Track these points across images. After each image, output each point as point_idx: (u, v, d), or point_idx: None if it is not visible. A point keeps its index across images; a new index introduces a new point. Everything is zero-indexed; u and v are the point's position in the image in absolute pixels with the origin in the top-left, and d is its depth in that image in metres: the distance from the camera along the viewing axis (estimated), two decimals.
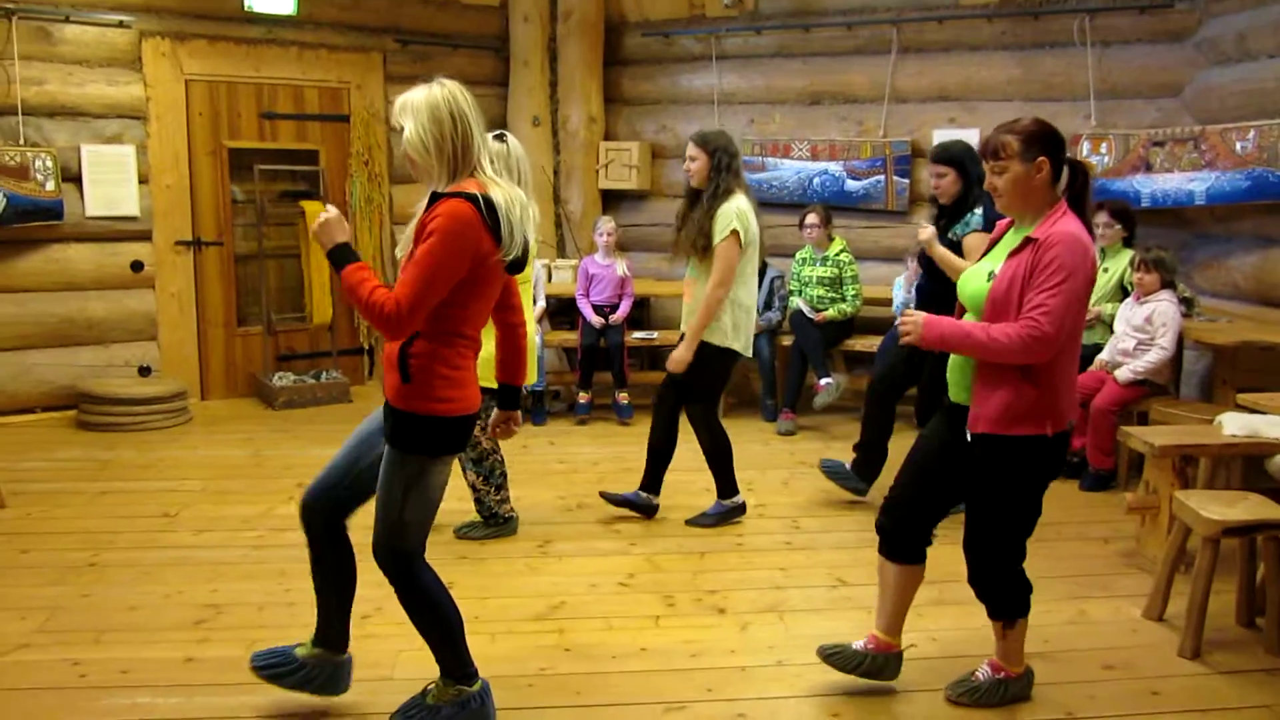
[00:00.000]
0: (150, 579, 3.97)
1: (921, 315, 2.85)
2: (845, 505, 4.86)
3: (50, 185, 6.16)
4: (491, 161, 2.74)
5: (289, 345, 7.13)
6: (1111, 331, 5.33)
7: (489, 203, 2.58)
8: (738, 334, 4.42)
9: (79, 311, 6.44)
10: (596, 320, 6.54)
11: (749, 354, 4.55)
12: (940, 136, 6.78)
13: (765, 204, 7.23)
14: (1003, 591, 3.00)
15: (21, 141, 6.11)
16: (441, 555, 4.21)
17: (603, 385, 6.69)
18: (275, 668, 2.96)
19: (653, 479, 4.65)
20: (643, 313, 7.44)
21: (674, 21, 7.56)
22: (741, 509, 4.65)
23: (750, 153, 7.28)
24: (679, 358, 4.39)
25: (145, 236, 6.62)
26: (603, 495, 4.69)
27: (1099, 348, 5.35)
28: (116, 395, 6.17)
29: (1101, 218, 5.50)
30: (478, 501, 4.44)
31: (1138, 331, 5.11)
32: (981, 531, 2.96)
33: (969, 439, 2.88)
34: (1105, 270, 5.51)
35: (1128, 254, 5.42)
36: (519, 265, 2.72)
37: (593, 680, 3.20)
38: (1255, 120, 5.63)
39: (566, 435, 6.23)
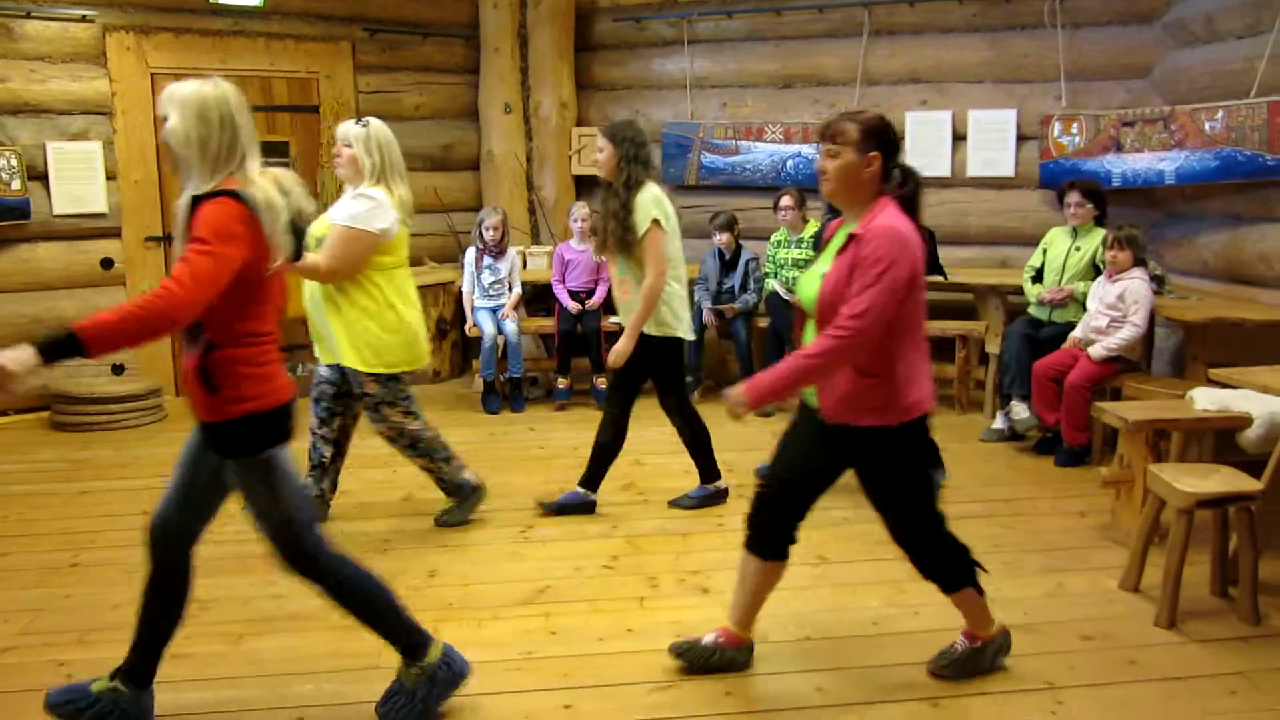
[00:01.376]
0: (133, 578, 3.90)
1: (738, 392, 2.82)
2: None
3: (16, 184, 6.09)
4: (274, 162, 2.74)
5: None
6: (1084, 309, 5.39)
7: (251, 198, 2.53)
8: (679, 320, 4.41)
9: (49, 311, 6.37)
10: (573, 306, 6.54)
11: (692, 337, 4.56)
12: (913, 119, 6.84)
13: (739, 187, 7.31)
14: (939, 564, 3.03)
15: None
16: (424, 544, 4.23)
17: (580, 371, 6.70)
18: (70, 703, 2.83)
19: (594, 475, 4.56)
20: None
21: (645, 6, 7.54)
22: (724, 494, 4.68)
23: (723, 136, 7.30)
24: (621, 350, 4.33)
25: (115, 233, 6.56)
26: (542, 505, 4.59)
27: (1072, 325, 5.41)
28: (90, 394, 6.12)
29: (1073, 197, 5.55)
30: (439, 482, 4.41)
31: (1110, 309, 5.17)
32: (887, 517, 2.99)
33: (824, 428, 2.88)
34: (1078, 249, 5.57)
35: (1099, 233, 5.48)
36: (297, 254, 2.70)
37: (580, 662, 3.22)
38: (1224, 100, 5.70)
39: (546, 421, 6.24)
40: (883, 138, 2.80)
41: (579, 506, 4.55)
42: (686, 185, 7.43)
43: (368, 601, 2.82)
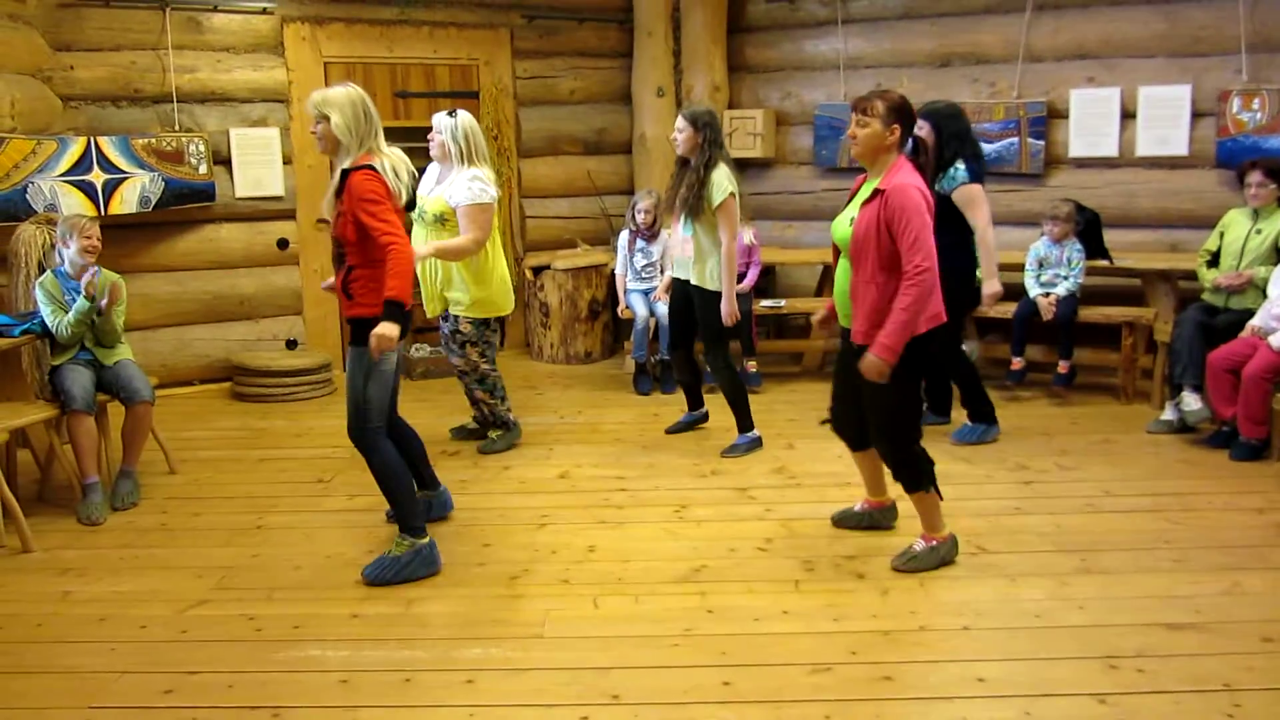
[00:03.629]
0: (312, 541, 4.20)
1: (874, 360, 3.45)
2: (982, 476, 4.81)
3: (203, 168, 6.48)
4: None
5: (425, 318, 7.35)
6: (1264, 296, 5.12)
7: (382, 167, 3.62)
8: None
9: (230, 288, 6.78)
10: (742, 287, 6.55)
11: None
12: (1078, 96, 6.59)
13: None
14: (911, 466, 3.69)
15: (176, 127, 6.44)
16: (582, 520, 4.36)
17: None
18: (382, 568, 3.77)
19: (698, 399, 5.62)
20: (769, 281, 7.43)
21: None
22: (760, 441, 5.27)
23: None
24: (728, 311, 4.99)
25: (290, 215, 6.91)
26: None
27: (1250, 313, 5.14)
28: (267, 368, 6.49)
29: (1255, 177, 5.27)
30: (491, 415, 5.30)
31: None
32: (879, 416, 3.67)
33: (854, 349, 3.59)
34: (1259, 232, 5.28)
35: None
36: (411, 204, 4.23)
37: (737, 641, 3.28)
38: None
39: None
40: (903, 114, 3.51)
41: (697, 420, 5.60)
42: (839, 168, 7.35)
43: (399, 482, 3.77)
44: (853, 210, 3.62)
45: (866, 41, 7.33)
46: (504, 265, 5.14)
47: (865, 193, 3.59)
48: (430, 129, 5.11)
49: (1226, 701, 2.88)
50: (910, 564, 3.74)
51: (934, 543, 3.77)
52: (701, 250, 4.99)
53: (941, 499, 3.77)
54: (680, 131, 4.95)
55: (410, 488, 3.84)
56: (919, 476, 3.70)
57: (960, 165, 4.93)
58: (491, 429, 5.37)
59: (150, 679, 3.12)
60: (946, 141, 4.93)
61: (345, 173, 3.59)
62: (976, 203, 4.94)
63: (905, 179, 3.46)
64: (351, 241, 3.61)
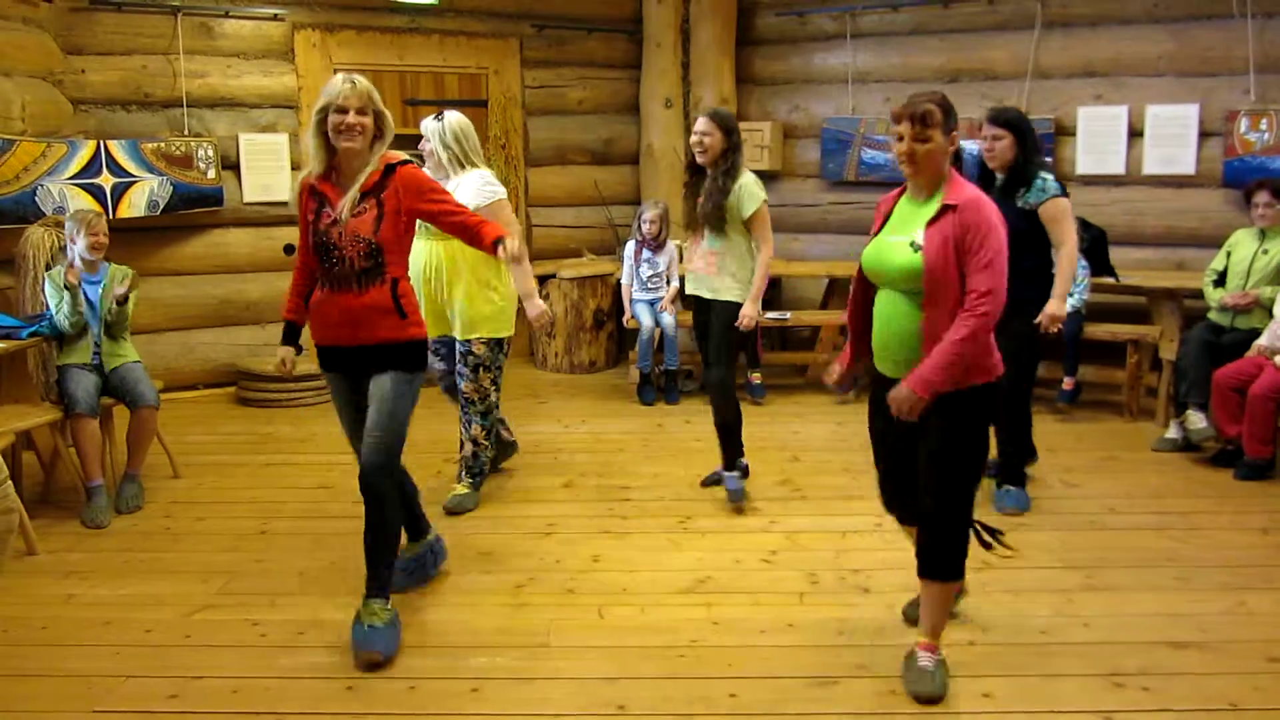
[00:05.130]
0: (317, 546, 4.20)
1: (906, 392, 2.86)
2: (987, 493, 4.80)
3: (211, 173, 6.49)
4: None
5: None
6: (1271, 316, 5.12)
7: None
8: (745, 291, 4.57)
9: (237, 293, 6.79)
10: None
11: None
12: (1085, 114, 6.61)
13: (900, 183, 7.16)
14: (959, 545, 3.01)
15: (186, 132, 6.46)
16: (587, 530, 4.35)
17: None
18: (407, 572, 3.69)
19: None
20: (775, 293, 7.44)
21: (808, 0, 7.50)
22: (748, 469, 4.76)
23: (886, 132, 7.19)
24: (751, 314, 4.50)
25: (296, 221, 6.90)
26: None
27: (1256, 332, 5.15)
28: (272, 373, 6.49)
29: (1262, 197, 5.28)
30: (473, 459, 4.65)
31: None
32: (941, 480, 2.96)
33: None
34: (1265, 252, 5.29)
35: None
36: None
37: (742, 653, 3.27)
38: None
39: (701, 414, 6.21)
40: (954, 115, 2.95)
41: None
42: (846, 181, 7.37)
43: (396, 538, 3.40)
44: (901, 233, 2.95)
45: (875, 56, 7.36)
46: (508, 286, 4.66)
47: (918, 210, 2.96)
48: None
49: None
50: (928, 687, 2.99)
51: (938, 655, 3.07)
52: (726, 264, 4.51)
53: (965, 593, 3.31)
54: (707, 135, 4.44)
55: (398, 540, 3.46)
56: (958, 562, 3.02)
57: (1049, 177, 4.36)
58: (466, 477, 4.68)
59: (155, 683, 3.11)
60: (1030, 151, 4.36)
61: (391, 166, 3.26)
62: (1069, 217, 4.38)
63: (976, 192, 2.91)
64: (393, 246, 3.25)
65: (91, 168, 5.97)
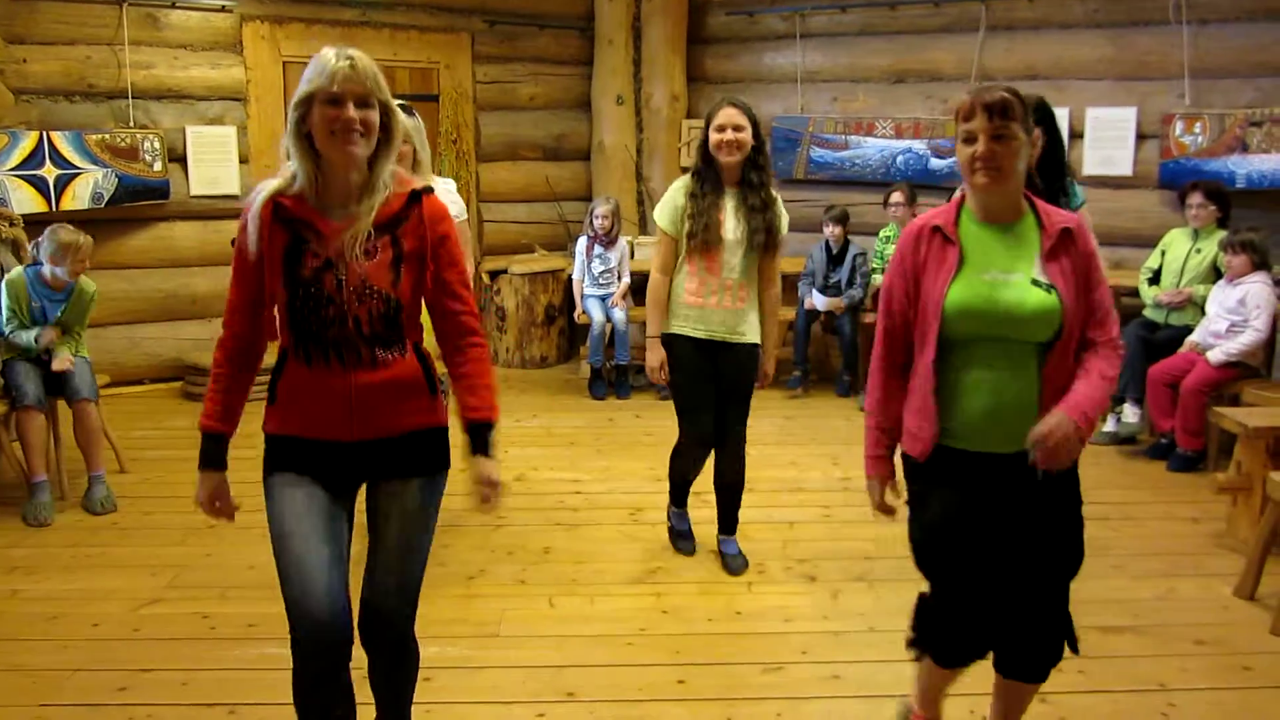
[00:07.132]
0: (266, 540, 4.16)
1: (1056, 424, 2.19)
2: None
3: (157, 166, 6.42)
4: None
5: None
6: (1203, 313, 5.29)
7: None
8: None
9: (183, 287, 6.72)
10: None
11: None
12: None
13: (848, 182, 7.31)
14: (1065, 632, 2.45)
15: (131, 124, 6.38)
16: (537, 522, 4.39)
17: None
18: None
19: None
20: None
21: (759, 0, 7.59)
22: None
23: (833, 131, 7.31)
24: (769, 371, 3.87)
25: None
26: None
27: (1189, 329, 5.32)
28: None
29: (1196, 198, 5.45)
30: None
31: (1230, 313, 5.07)
32: (1062, 562, 2.39)
33: (1039, 478, 2.26)
34: (1198, 251, 5.46)
35: (1221, 235, 5.37)
36: None
37: (691, 640, 3.34)
38: None
39: (651, 409, 6.34)
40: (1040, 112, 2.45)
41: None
42: (795, 179, 7.46)
43: (417, 670, 2.54)
44: (1004, 269, 2.27)
45: (824, 56, 7.46)
46: None
47: (1028, 238, 2.30)
48: None
49: (1162, 701, 2.99)
50: None
51: None
52: (750, 298, 3.74)
53: None
54: (739, 131, 3.58)
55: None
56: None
57: (1073, 181, 3.54)
58: None
59: (103, 677, 3.10)
60: (1059, 149, 3.37)
61: (416, 194, 2.23)
62: (1090, 228, 3.91)
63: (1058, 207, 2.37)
64: (406, 306, 2.23)
65: (34, 159, 5.88)
